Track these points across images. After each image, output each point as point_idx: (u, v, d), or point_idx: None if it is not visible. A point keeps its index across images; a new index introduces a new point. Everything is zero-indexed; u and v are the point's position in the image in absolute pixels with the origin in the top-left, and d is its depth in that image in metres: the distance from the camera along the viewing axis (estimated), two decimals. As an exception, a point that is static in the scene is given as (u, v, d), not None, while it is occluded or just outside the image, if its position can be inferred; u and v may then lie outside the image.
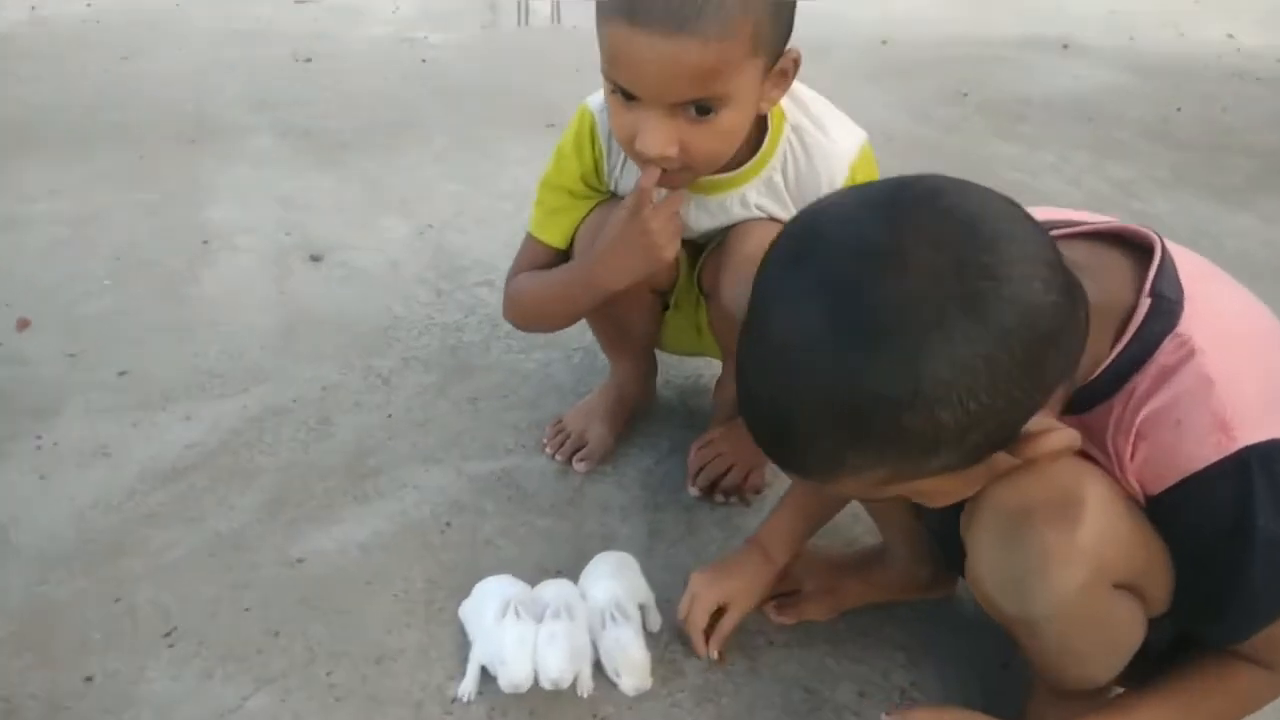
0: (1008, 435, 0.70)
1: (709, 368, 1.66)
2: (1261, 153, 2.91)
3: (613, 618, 1.12)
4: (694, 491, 1.40)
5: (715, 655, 1.13)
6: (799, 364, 0.68)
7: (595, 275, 1.20)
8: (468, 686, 1.09)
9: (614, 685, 1.11)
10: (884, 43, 3.64)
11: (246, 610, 1.19)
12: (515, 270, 1.34)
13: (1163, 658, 0.92)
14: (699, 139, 1.04)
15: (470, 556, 1.28)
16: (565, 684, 1.07)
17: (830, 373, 0.67)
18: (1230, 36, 4.17)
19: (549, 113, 2.72)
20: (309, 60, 3.05)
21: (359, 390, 1.59)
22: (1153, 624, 0.88)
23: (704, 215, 1.25)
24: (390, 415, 1.53)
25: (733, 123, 1.06)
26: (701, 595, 1.12)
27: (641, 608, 1.17)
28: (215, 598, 1.20)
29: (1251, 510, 0.75)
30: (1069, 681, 0.92)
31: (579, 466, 1.44)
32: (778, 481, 1.44)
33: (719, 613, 1.14)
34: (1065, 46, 3.83)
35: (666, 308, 1.41)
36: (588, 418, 1.49)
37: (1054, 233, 0.79)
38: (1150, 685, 0.91)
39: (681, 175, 1.10)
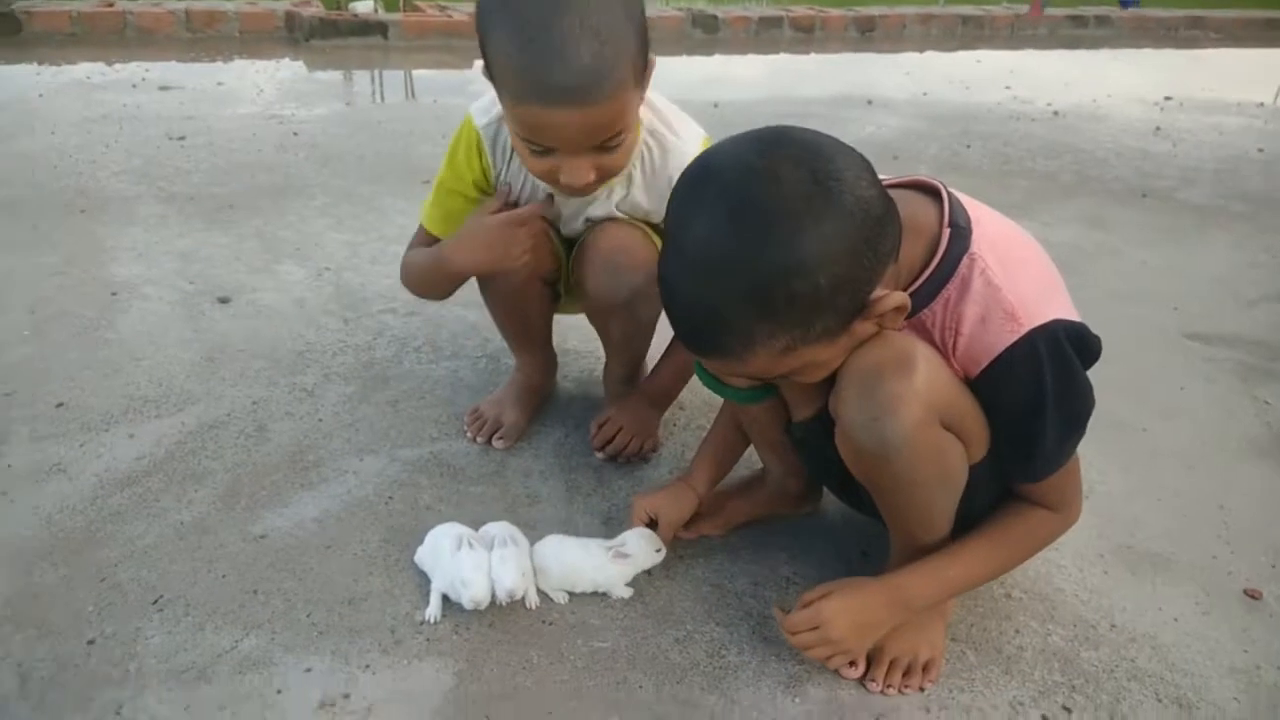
0: (862, 299, 0.99)
1: (600, 363, 1.91)
2: (1037, 175, 3.46)
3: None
4: (600, 456, 1.64)
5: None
6: (713, 258, 0.95)
7: (448, 258, 1.45)
8: (433, 610, 1.28)
9: (551, 599, 1.33)
10: (715, 105, 4.07)
11: (223, 577, 1.34)
12: (408, 248, 1.57)
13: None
14: (610, 161, 1.29)
15: (415, 520, 1.47)
16: (519, 595, 1.27)
17: (737, 259, 0.94)
18: (1008, 88, 4.85)
19: (421, 171, 2.96)
20: (183, 138, 3.18)
21: (287, 402, 1.75)
22: (972, 491, 1.18)
23: (574, 208, 1.51)
24: (321, 420, 1.71)
25: (631, 140, 1.33)
26: (636, 506, 1.40)
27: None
28: (192, 570, 1.34)
29: (1042, 374, 1.07)
30: (915, 527, 1.20)
31: (498, 444, 1.65)
32: (669, 441, 1.70)
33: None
34: (869, 102, 4.37)
35: (558, 297, 1.66)
36: (500, 405, 1.71)
37: None
38: (967, 534, 1.21)
39: (592, 186, 1.35)
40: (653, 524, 1.39)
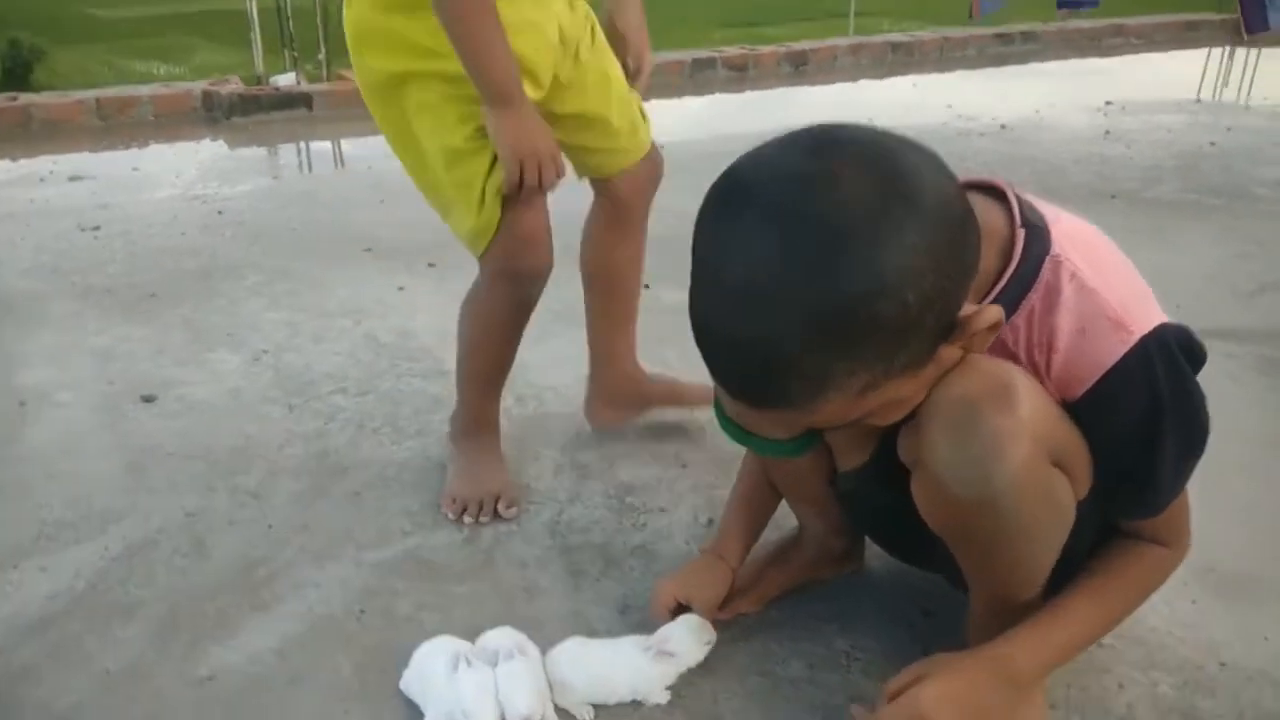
0: (951, 317, 0.80)
1: (585, 424, 1.69)
2: (1000, 188, 3.34)
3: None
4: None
5: None
6: (768, 295, 0.74)
7: (500, 106, 1.26)
8: (429, 752, 1.04)
9: (574, 717, 1.09)
10: (662, 146, 3.92)
11: (163, 737, 1.08)
12: None
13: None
14: None
15: (394, 635, 1.23)
16: (536, 719, 1.04)
17: (803, 290, 0.73)
18: (950, 107, 4.79)
19: (361, 239, 2.73)
20: (97, 228, 2.91)
21: (228, 509, 1.50)
22: (1073, 533, 0.99)
23: None
24: (270, 526, 1.46)
25: None
26: (661, 592, 1.17)
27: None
28: (124, 732, 1.09)
29: (1158, 390, 0.89)
30: (1011, 582, 1.00)
31: (509, 513, 1.43)
32: (677, 508, 1.48)
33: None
34: (815, 131, 4.26)
35: None
36: (473, 474, 1.48)
37: None
38: (1071, 585, 1.01)
39: None
40: (682, 609, 1.17)
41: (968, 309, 0.81)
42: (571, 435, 1.69)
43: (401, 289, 2.35)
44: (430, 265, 2.48)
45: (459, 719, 1.03)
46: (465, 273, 1.48)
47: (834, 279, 0.73)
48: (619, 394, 1.64)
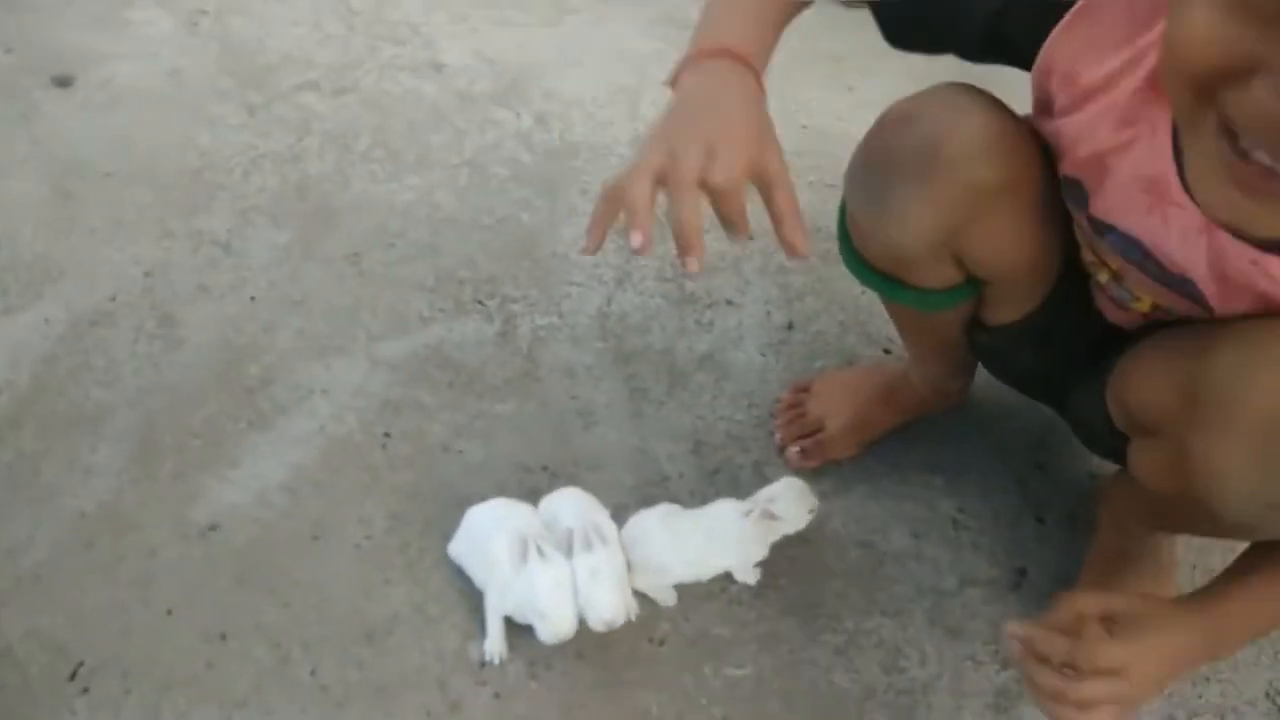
0: None
1: (625, 159, 1.39)
2: None
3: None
4: None
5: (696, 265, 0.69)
6: None
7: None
8: (494, 646, 0.89)
9: (653, 600, 0.95)
10: None
11: (168, 614, 0.90)
12: None
13: None
14: None
15: (429, 472, 1.03)
16: (620, 622, 0.88)
17: None
18: None
19: None
20: None
21: (196, 267, 1.21)
22: None
23: None
24: (253, 297, 1.19)
25: None
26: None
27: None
28: (117, 605, 0.90)
29: None
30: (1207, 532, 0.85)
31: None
32: (745, 297, 1.24)
33: None
34: None
35: None
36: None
37: None
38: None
39: None
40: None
41: None
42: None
43: (365, -79, 1.84)
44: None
45: (532, 619, 0.87)
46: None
47: None
48: None
